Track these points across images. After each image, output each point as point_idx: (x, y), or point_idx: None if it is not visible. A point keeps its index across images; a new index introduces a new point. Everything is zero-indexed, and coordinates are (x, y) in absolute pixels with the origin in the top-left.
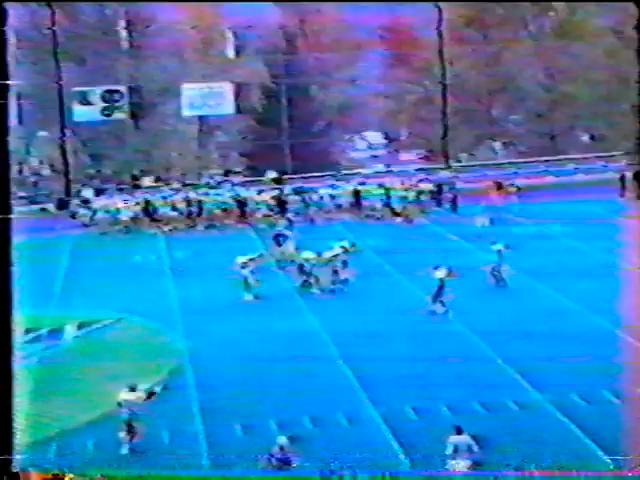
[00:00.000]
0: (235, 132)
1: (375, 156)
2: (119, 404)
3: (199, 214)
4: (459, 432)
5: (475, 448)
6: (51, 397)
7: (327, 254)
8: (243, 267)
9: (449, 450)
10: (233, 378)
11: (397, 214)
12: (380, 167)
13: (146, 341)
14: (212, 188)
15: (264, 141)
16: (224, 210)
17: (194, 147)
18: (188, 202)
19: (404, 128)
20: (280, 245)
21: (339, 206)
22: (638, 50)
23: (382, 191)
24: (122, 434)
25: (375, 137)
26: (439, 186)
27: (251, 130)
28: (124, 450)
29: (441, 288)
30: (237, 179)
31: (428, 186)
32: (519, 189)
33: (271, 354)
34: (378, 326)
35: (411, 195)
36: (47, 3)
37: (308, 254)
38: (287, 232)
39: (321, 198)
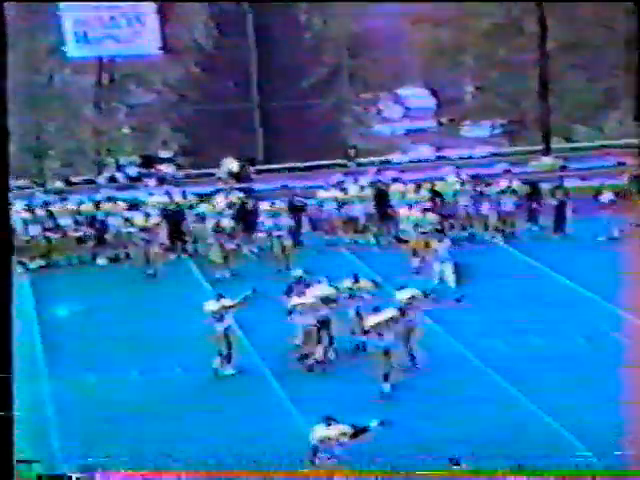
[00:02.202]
0: (164, 88)
1: (416, 130)
2: (314, 450)
3: (99, 237)
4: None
5: None
6: None
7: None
8: (219, 318)
9: None
10: None
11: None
12: (425, 150)
13: None
14: (122, 189)
15: (216, 104)
16: (144, 228)
17: (88, 114)
18: (77, 214)
19: (468, 80)
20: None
21: (351, 220)
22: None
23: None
24: None
25: (417, 96)
26: (533, 185)
27: (193, 84)
28: None
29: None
30: (167, 171)
31: (513, 185)
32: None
33: None
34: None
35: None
36: None
37: (325, 289)
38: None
39: (320, 205)
